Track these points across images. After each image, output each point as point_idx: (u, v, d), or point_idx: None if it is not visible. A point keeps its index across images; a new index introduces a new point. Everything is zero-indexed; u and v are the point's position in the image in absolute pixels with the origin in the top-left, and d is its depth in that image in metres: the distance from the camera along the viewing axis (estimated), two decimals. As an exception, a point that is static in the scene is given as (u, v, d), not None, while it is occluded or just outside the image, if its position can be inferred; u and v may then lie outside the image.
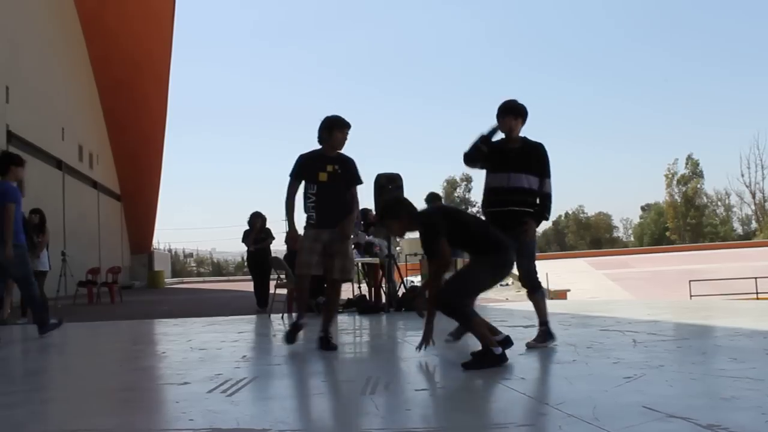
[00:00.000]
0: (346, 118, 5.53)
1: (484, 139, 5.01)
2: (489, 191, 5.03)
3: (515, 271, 4.90)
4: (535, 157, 5.01)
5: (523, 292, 5.27)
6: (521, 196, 4.95)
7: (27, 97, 18.99)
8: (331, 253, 5.46)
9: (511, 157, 4.96)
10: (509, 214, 4.90)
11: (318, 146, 5.56)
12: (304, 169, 5.49)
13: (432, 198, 10.57)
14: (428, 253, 4.40)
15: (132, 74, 26.64)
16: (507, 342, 4.44)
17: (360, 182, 5.63)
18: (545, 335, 5.01)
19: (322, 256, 5.43)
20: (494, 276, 4.48)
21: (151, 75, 27.43)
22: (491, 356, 4.16)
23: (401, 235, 4.69)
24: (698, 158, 67.48)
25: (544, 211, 5.04)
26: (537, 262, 5.11)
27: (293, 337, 5.57)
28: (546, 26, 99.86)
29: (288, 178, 5.52)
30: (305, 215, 5.53)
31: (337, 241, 5.47)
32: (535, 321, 5.10)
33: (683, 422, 2.59)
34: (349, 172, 5.56)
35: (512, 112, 5.02)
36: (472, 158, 5.04)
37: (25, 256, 6.96)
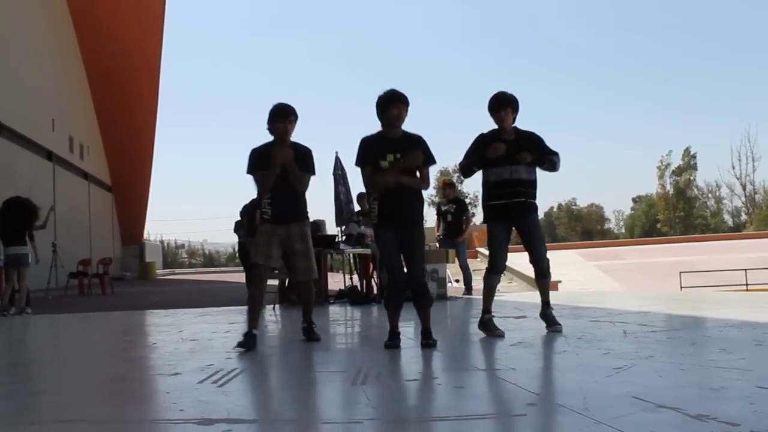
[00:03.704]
0: (293, 106, 5.07)
1: (479, 152, 5.00)
2: (492, 185, 4.99)
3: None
4: (529, 148, 4.98)
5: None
6: (524, 188, 4.96)
7: (16, 87, 18.83)
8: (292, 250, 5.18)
9: (509, 150, 4.92)
10: (516, 205, 4.89)
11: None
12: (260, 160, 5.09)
13: None
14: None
15: (123, 65, 26.44)
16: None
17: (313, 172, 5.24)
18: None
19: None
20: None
21: (143, 66, 27.22)
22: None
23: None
24: (695, 151, 67.31)
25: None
26: (528, 253, 5.13)
27: (252, 341, 4.87)
28: (540, 18, 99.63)
29: (246, 172, 5.16)
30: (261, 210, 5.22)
31: (297, 239, 5.16)
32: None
33: (672, 412, 2.60)
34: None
35: (504, 105, 4.99)
36: (470, 172, 5.09)
37: None
